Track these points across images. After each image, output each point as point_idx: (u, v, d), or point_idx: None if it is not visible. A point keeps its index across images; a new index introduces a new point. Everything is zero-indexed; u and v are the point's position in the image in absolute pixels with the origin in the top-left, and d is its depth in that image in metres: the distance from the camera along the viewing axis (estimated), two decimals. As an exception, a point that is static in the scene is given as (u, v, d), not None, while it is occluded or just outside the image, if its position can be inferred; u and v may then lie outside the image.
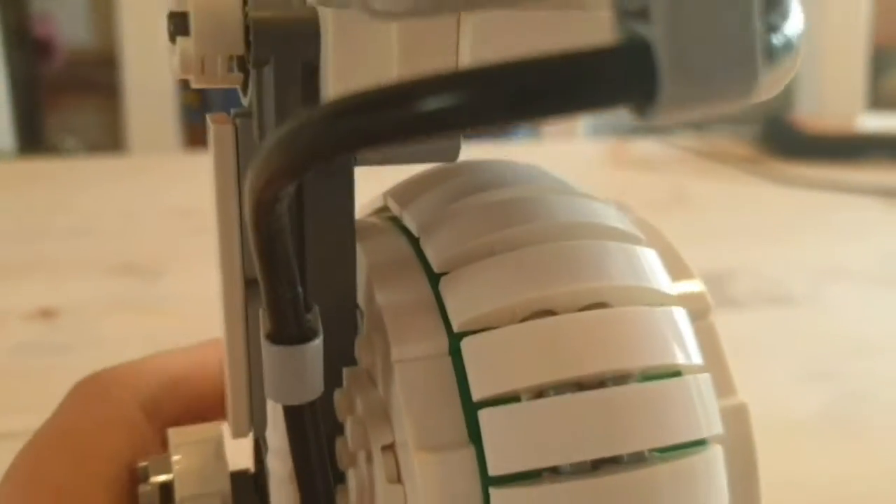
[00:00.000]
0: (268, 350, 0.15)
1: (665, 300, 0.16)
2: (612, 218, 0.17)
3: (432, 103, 0.09)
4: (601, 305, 0.15)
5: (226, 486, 0.19)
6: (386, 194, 0.19)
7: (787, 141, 0.79)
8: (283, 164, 0.11)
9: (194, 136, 0.92)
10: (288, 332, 0.14)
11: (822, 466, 0.37)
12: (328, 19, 0.14)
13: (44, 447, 0.21)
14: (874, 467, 0.37)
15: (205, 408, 0.23)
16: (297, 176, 0.11)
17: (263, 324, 0.15)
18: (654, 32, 0.08)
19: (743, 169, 0.76)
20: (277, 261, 0.13)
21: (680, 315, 0.16)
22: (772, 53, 0.09)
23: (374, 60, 0.14)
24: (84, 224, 0.61)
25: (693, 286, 0.17)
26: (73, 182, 0.70)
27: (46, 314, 0.48)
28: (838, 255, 0.59)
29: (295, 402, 0.15)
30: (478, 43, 0.13)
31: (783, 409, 0.41)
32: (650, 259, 0.17)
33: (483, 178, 0.18)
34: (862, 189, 0.71)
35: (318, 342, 0.15)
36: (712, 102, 0.09)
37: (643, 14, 0.09)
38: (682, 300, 0.16)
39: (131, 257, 0.55)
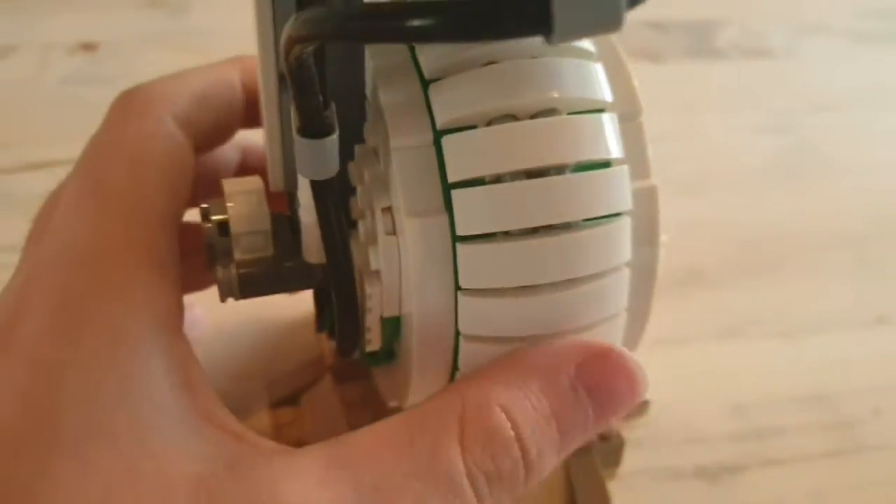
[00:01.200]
0: (297, 140, 0.20)
1: (603, 107, 0.21)
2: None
3: (406, 21, 0.14)
4: (552, 112, 0.20)
5: (268, 225, 0.25)
6: None
7: None
8: (309, 34, 0.16)
9: None
10: (312, 128, 0.20)
11: (762, 207, 0.43)
12: None
13: (100, 156, 0.23)
14: (805, 207, 0.43)
15: (230, 117, 0.26)
16: (315, 43, 0.17)
17: (293, 119, 0.20)
18: None
19: None
20: (303, 80, 0.19)
21: (611, 119, 0.21)
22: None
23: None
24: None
25: (629, 93, 0.22)
26: None
27: (87, 47, 0.52)
28: (825, 8, 0.61)
29: (318, 178, 0.20)
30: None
31: (737, 156, 0.46)
32: (597, 73, 0.21)
33: None
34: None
35: (334, 136, 0.20)
36: (591, 33, 0.14)
37: None
38: (618, 105, 0.22)
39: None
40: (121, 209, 0.21)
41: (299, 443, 0.20)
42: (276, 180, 0.25)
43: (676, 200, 0.42)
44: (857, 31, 0.59)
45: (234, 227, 0.24)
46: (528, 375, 0.20)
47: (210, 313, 0.32)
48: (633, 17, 0.23)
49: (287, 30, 0.17)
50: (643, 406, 0.29)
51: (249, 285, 0.24)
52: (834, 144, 0.47)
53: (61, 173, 0.40)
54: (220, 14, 0.56)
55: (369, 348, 0.24)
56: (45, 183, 0.41)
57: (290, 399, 0.31)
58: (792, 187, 0.44)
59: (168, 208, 0.22)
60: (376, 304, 0.23)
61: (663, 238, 0.23)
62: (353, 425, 0.29)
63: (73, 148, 0.43)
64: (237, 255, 0.24)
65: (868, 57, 0.56)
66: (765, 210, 0.43)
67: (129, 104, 0.24)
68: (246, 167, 0.30)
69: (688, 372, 0.35)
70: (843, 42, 0.57)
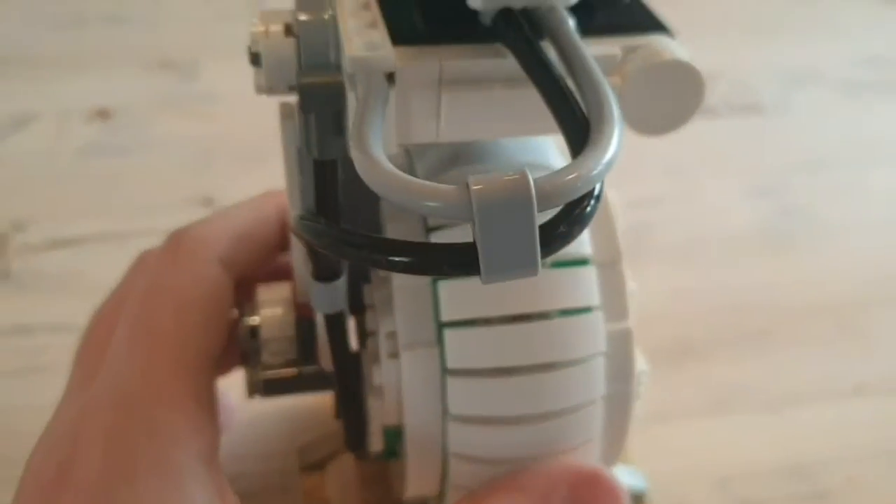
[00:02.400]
0: (311, 283, 0.23)
1: (586, 259, 0.23)
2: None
3: (371, 253, 0.17)
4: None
5: (293, 332, 0.28)
6: None
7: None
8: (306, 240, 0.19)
9: None
10: (323, 274, 0.23)
11: (750, 275, 0.45)
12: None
13: (151, 301, 0.25)
14: (791, 274, 0.45)
15: (267, 250, 0.29)
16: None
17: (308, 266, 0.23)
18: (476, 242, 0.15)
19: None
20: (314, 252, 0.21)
21: (589, 272, 0.23)
22: (549, 247, 0.16)
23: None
24: (117, 12, 0.65)
25: (611, 241, 0.24)
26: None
27: (103, 114, 0.55)
28: (817, 56, 0.63)
29: (329, 311, 0.24)
30: (452, 122, 0.20)
31: (727, 221, 0.48)
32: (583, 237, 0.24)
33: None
34: (858, -25, 0.73)
35: (342, 279, 0.23)
36: (513, 277, 0.16)
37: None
38: (599, 253, 0.24)
39: (166, 52, 0.60)
40: (168, 355, 0.24)
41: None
42: (302, 294, 0.28)
43: (668, 269, 0.45)
44: (848, 81, 0.60)
45: (264, 333, 0.28)
46: (524, 496, 0.23)
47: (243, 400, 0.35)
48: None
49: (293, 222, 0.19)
50: (639, 500, 0.31)
51: (273, 387, 0.28)
52: (822, 205, 0.49)
53: (87, 250, 0.43)
54: (228, 77, 0.58)
55: (372, 449, 0.26)
56: (72, 261, 0.44)
57: (319, 464, 0.34)
58: (779, 253, 0.46)
59: (210, 349, 0.25)
60: (377, 414, 0.25)
61: (632, 286, 0.25)
62: (367, 500, 0.31)
63: (95, 224, 0.46)
64: (264, 357, 0.28)
65: (858, 108, 0.58)
66: (753, 277, 0.45)
67: (178, 247, 0.27)
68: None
69: (676, 446, 0.37)
70: (834, 94, 0.59)
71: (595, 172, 0.15)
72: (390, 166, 0.16)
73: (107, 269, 0.43)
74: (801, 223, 0.48)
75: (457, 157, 0.24)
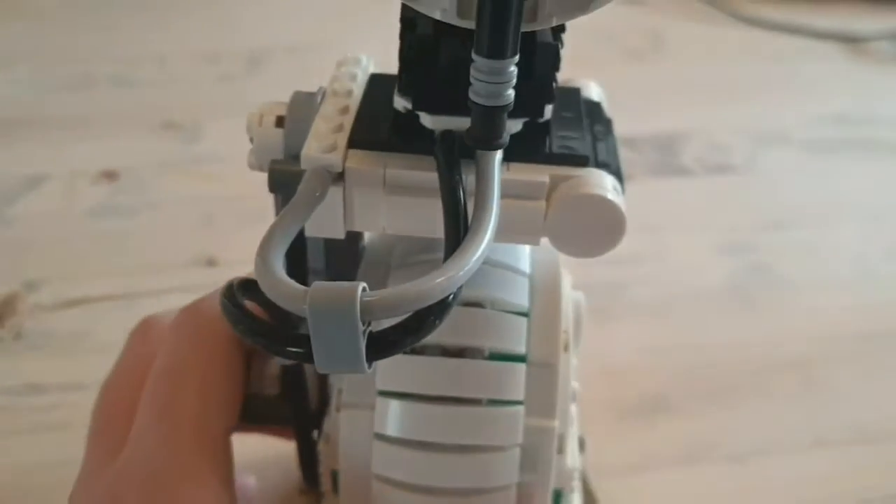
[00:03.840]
0: None
1: (519, 357, 0.26)
2: (521, 259, 0.27)
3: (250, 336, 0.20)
4: (479, 306, 0.26)
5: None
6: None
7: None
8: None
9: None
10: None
11: (720, 331, 0.48)
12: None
13: (172, 381, 0.27)
14: (758, 330, 0.48)
15: None
16: None
17: None
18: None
19: (719, 6, 0.81)
20: None
21: (520, 369, 0.25)
22: (378, 353, 0.19)
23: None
24: (124, 73, 0.69)
25: (551, 342, 0.26)
26: (105, 18, 0.77)
27: (109, 176, 0.58)
28: (785, 115, 0.67)
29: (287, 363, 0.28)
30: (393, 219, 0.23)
31: (698, 278, 0.52)
32: (523, 286, 0.26)
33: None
34: (828, 34, 0.77)
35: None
36: (345, 372, 0.19)
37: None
38: (535, 352, 0.26)
39: (171, 113, 0.64)
40: (193, 434, 0.25)
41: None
42: None
43: (641, 327, 0.48)
44: (813, 141, 0.64)
45: None
46: None
47: (261, 480, 0.37)
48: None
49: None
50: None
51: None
52: (787, 263, 0.53)
53: (96, 310, 0.45)
54: (229, 138, 0.61)
55: (322, 489, 0.29)
56: (82, 320, 0.47)
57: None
58: (746, 310, 0.49)
59: (229, 426, 0.27)
60: (325, 458, 0.28)
61: (574, 385, 0.27)
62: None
63: (104, 284, 0.49)
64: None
65: (824, 167, 0.62)
66: (721, 334, 0.48)
67: (195, 325, 0.28)
68: None
69: (648, 498, 0.39)
70: (801, 153, 0.63)
71: (425, 295, 0.18)
72: (274, 267, 0.19)
73: (115, 329, 0.46)
74: (767, 281, 0.51)
75: (430, 245, 0.27)
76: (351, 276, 0.28)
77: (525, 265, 0.27)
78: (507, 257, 0.27)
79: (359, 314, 0.17)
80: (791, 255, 0.53)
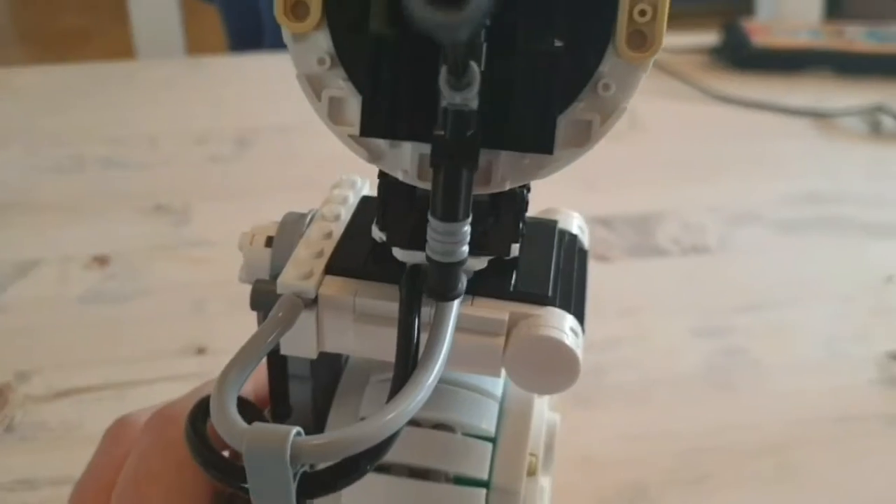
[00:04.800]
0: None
1: (482, 482, 0.27)
2: (495, 382, 0.28)
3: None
4: (447, 428, 0.27)
5: None
6: None
7: (738, 51, 0.87)
8: None
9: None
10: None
11: (697, 417, 0.50)
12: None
13: (140, 490, 0.28)
14: (733, 415, 0.50)
15: None
16: None
17: None
18: None
19: (694, 83, 0.84)
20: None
21: (480, 494, 0.27)
22: (310, 493, 0.20)
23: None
24: (113, 155, 0.70)
25: (515, 470, 0.27)
26: (97, 97, 0.78)
27: (101, 261, 0.59)
28: (758, 195, 0.69)
29: None
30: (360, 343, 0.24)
31: (676, 362, 0.53)
32: (492, 410, 0.28)
33: None
34: (799, 111, 0.80)
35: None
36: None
37: None
38: (498, 478, 0.27)
39: (160, 196, 0.65)
40: None
41: None
42: None
43: (621, 414, 0.49)
44: (784, 221, 0.66)
45: None
46: None
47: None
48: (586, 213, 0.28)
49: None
50: None
51: None
52: (760, 346, 0.54)
53: (87, 400, 0.46)
54: (218, 221, 0.63)
55: None
56: (73, 412, 0.48)
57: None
58: (722, 395, 0.51)
59: None
60: None
61: None
62: None
63: (94, 374, 0.50)
64: None
65: (794, 247, 0.64)
66: (700, 420, 0.49)
67: (164, 431, 0.29)
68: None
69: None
70: (771, 233, 0.65)
71: (358, 442, 0.19)
72: (225, 403, 0.20)
73: (106, 420, 0.46)
74: (742, 364, 0.53)
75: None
76: (333, 385, 0.30)
77: (498, 388, 0.28)
78: (481, 379, 0.28)
79: (288, 460, 0.19)
80: (764, 338, 0.55)
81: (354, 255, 0.25)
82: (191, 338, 0.53)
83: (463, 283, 0.22)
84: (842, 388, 0.52)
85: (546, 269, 0.25)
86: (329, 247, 0.26)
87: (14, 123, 0.74)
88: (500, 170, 0.21)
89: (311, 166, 0.64)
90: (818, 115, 0.79)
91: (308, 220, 0.28)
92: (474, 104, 0.18)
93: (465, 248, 0.20)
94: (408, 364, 0.22)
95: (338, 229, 0.27)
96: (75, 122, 0.74)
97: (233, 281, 0.59)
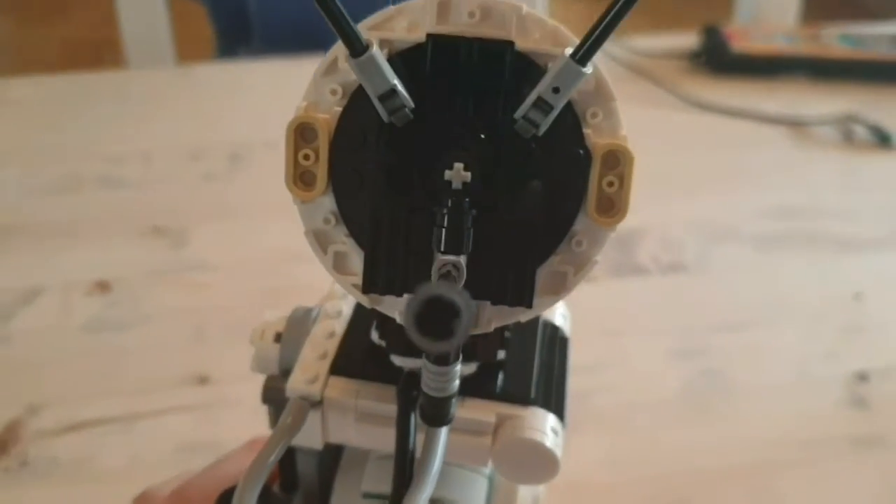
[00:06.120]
0: None
1: None
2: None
3: None
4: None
5: None
6: None
7: (717, 57, 0.89)
8: None
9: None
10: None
11: (674, 442, 0.53)
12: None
13: None
14: (709, 439, 0.53)
15: None
16: None
17: None
18: None
19: (672, 90, 0.86)
20: None
21: None
22: None
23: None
24: (110, 172, 0.72)
25: None
26: (90, 112, 0.80)
27: (102, 287, 0.61)
28: (734, 209, 0.71)
29: None
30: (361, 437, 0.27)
31: (654, 385, 0.56)
32: (482, 487, 0.31)
33: None
34: (775, 119, 0.82)
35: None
36: None
37: None
38: None
39: (157, 217, 0.67)
40: None
41: None
42: None
43: (602, 438, 0.52)
44: (759, 236, 0.69)
45: None
46: None
47: None
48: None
49: None
50: None
51: None
52: (735, 368, 0.57)
53: (96, 434, 0.49)
54: (215, 243, 0.65)
55: None
56: (83, 446, 0.50)
57: None
58: (698, 417, 0.54)
59: None
60: None
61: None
62: None
63: (101, 407, 0.52)
64: None
65: (768, 263, 0.66)
66: (677, 444, 0.52)
67: None
68: None
69: None
70: (747, 249, 0.68)
71: None
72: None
73: (115, 455, 0.50)
74: (717, 387, 0.56)
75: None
76: (337, 457, 0.32)
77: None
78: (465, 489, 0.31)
79: None
80: (738, 359, 0.58)
81: (355, 357, 0.28)
82: (192, 366, 0.55)
83: (454, 409, 0.24)
84: (808, 411, 0.55)
85: (529, 369, 0.28)
86: (332, 346, 0.28)
87: (11, 140, 0.75)
88: (487, 314, 0.23)
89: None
90: (793, 124, 0.82)
91: (314, 314, 0.30)
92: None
93: (457, 383, 0.23)
94: (404, 471, 0.24)
95: (340, 327, 0.29)
96: (71, 138, 0.76)
97: (231, 307, 0.61)
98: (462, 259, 0.21)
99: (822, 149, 0.80)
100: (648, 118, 0.83)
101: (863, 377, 0.57)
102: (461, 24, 0.21)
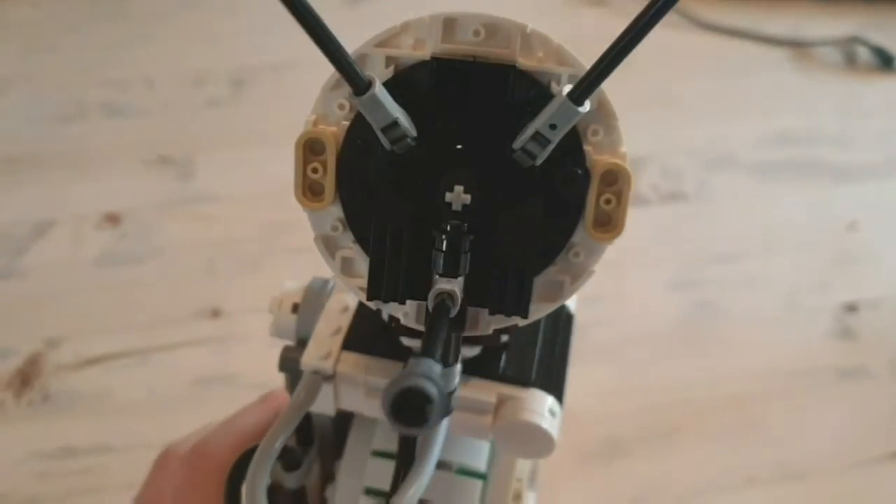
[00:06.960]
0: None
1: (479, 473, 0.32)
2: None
3: None
4: (445, 466, 0.32)
5: None
6: None
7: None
8: None
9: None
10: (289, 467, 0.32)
11: (668, 372, 0.55)
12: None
13: None
14: (701, 371, 0.55)
15: None
16: None
17: None
18: None
19: (676, 8, 0.85)
20: None
21: (476, 485, 0.32)
22: None
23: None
24: (113, 99, 0.72)
25: None
26: (91, 34, 0.79)
27: (112, 219, 0.62)
28: (732, 135, 0.72)
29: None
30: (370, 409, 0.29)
31: (650, 317, 0.58)
32: (484, 450, 0.33)
33: None
34: (777, 40, 0.82)
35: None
36: None
37: None
38: None
39: (163, 145, 0.68)
40: None
41: None
42: None
43: (600, 370, 0.54)
44: (757, 164, 0.70)
45: None
46: None
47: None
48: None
49: None
50: None
51: None
52: (728, 299, 0.59)
53: (113, 367, 0.51)
54: (221, 175, 0.66)
55: None
56: (102, 379, 0.52)
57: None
58: (691, 349, 0.56)
59: None
60: None
61: None
62: None
63: (117, 340, 0.54)
64: None
65: (765, 192, 0.67)
66: (670, 375, 0.54)
67: (197, 466, 0.32)
68: None
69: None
70: (745, 177, 0.68)
71: None
72: (256, 491, 0.25)
73: (134, 387, 0.52)
74: (710, 318, 0.58)
75: None
76: (350, 414, 0.34)
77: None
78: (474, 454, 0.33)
79: None
80: (732, 290, 0.60)
81: (367, 333, 0.29)
82: (205, 300, 0.57)
83: (453, 402, 0.26)
84: (795, 341, 0.57)
85: (531, 350, 0.29)
86: (345, 321, 0.30)
87: (11, 65, 0.75)
88: (486, 319, 0.24)
89: (308, 107, 0.65)
90: (796, 45, 0.81)
91: (329, 288, 0.32)
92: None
93: (457, 380, 0.25)
94: (408, 457, 0.26)
95: (353, 301, 0.31)
96: (72, 60, 0.75)
97: (241, 240, 0.63)
98: (459, 281, 0.21)
99: (824, 72, 0.80)
100: (651, 38, 0.82)
101: (851, 308, 0.59)
102: (466, 42, 0.21)
